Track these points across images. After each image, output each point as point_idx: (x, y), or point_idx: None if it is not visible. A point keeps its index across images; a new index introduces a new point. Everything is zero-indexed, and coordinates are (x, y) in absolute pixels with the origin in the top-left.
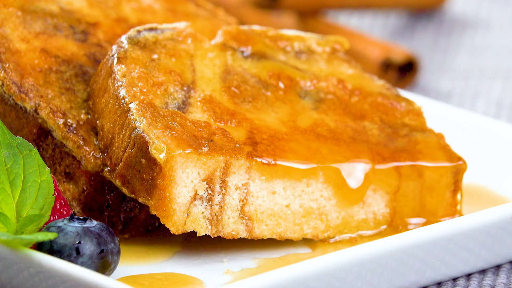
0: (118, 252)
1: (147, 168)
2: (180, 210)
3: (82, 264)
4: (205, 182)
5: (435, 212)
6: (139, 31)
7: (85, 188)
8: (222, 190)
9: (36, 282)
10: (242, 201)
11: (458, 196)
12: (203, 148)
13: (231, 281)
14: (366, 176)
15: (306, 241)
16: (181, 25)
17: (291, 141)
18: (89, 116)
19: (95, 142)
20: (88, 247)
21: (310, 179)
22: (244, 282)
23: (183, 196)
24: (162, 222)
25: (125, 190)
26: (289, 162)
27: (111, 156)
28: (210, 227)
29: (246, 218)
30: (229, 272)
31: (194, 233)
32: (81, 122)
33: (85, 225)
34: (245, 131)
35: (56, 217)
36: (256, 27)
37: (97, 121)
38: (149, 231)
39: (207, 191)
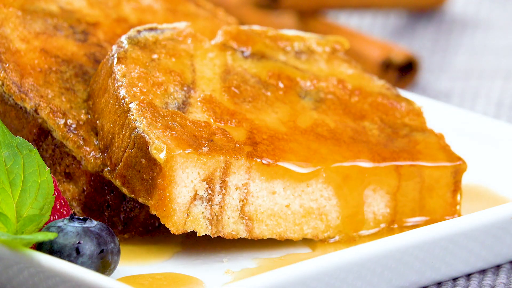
0: (118, 252)
1: (147, 168)
2: (180, 210)
3: (82, 264)
4: (205, 182)
5: (435, 212)
6: (139, 31)
7: (85, 188)
8: (222, 190)
9: (36, 282)
10: (242, 201)
11: (458, 196)
12: (203, 148)
13: (231, 281)
14: (366, 176)
15: (306, 241)
16: (181, 25)
17: (291, 141)
18: (89, 116)
19: (95, 142)
20: (88, 247)
21: (310, 179)
22: (244, 282)
23: (183, 196)
24: (162, 222)
25: (125, 190)
26: (289, 162)
27: (111, 156)
28: (210, 227)
29: (246, 218)
30: (229, 272)
31: (194, 233)
32: (81, 122)
33: (85, 225)
34: (245, 131)
35: (56, 217)
36: (256, 27)
37: (97, 121)
38: (149, 231)
39: (207, 191)
